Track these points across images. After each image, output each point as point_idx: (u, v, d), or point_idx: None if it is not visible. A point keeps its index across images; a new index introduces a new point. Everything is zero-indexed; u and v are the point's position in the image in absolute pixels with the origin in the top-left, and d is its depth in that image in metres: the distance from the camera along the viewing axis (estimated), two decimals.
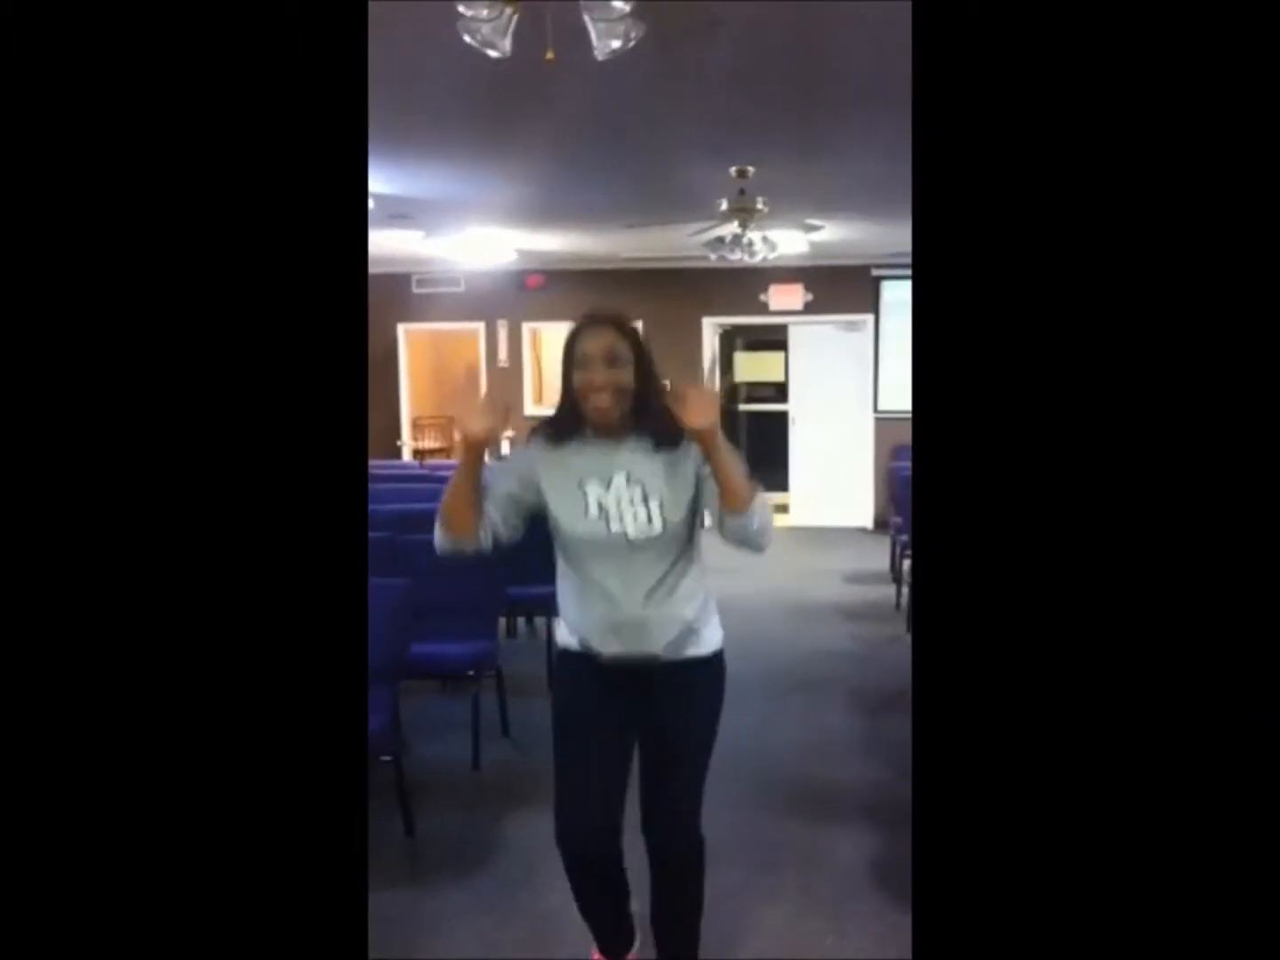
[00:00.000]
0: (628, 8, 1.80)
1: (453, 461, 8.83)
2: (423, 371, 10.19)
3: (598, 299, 9.02)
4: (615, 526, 1.84)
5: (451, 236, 7.06)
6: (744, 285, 8.75)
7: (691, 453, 1.85)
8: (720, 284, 8.73)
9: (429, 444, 10.34)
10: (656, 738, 1.99)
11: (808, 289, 8.84)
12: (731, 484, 1.78)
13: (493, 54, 1.94)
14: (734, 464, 1.79)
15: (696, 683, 1.97)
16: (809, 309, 8.89)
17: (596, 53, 1.94)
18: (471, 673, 3.50)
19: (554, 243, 7.71)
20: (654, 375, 1.88)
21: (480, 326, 9.29)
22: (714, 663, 1.99)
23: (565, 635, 1.99)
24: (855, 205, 5.91)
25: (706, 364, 9.01)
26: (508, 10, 1.84)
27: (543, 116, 4.33)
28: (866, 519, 8.99)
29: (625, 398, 1.83)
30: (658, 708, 1.96)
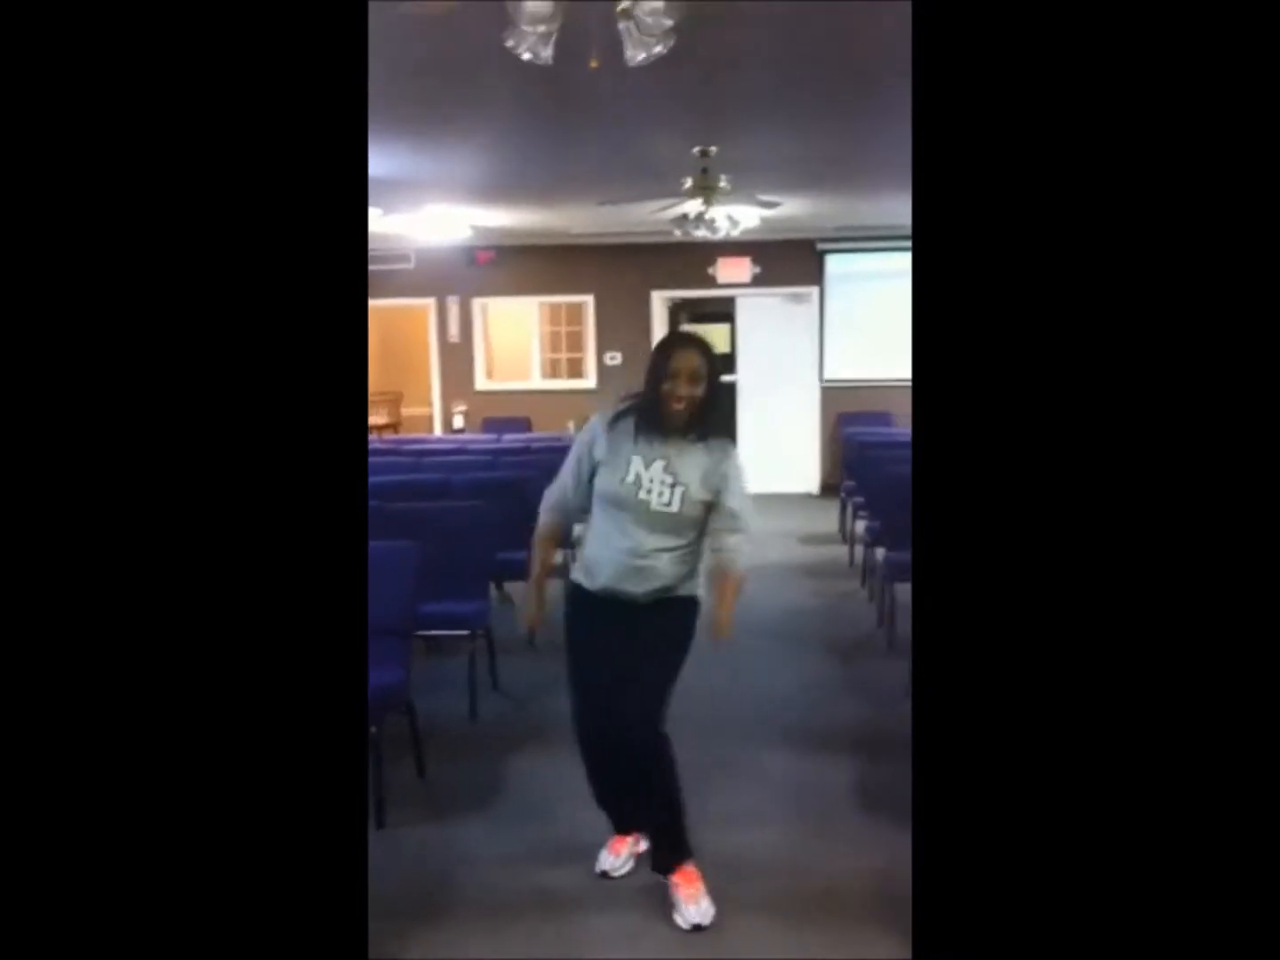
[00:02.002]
0: (670, 23, 1.98)
1: (404, 436, 8.96)
2: (371, 348, 10.23)
3: (549, 274, 9.18)
4: (642, 495, 2.32)
5: (409, 213, 7.13)
6: (693, 259, 8.95)
7: (724, 468, 2.37)
8: (670, 258, 8.92)
9: (378, 420, 10.39)
10: (633, 651, 2.40)
11: (755, 262, 9.08)
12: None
13: (533, 60, 2.10)
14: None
15: (668, 614, 2.41)
16: (756, 282, 9.14)
17: (628, 59, 2.13)
18: (467, 631, 3.70)
19: (509, 219, 7.82)
20: (718, 389, 2.36)
21: (431, 302, 9.36)
22: (686, 604, 2.44)
23: (576, 572, 2.48)
24: (809, 182, 6.16)
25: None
26: (555, 26, 2.00)
27: (509, 97, 4.46)
28: (813, 484, 9.31)
29: (696, 406, 2.32)
30: (637, 630, 2.40)
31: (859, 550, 6.12)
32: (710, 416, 2.38)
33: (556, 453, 6.47)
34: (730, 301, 9.35)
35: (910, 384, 6.67)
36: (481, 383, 9.46)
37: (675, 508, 2.32)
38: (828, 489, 9.04)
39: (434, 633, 3.62)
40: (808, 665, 4.34)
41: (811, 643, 4.65)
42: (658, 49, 2.08)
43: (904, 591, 4.42)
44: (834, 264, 9.14)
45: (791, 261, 9.05)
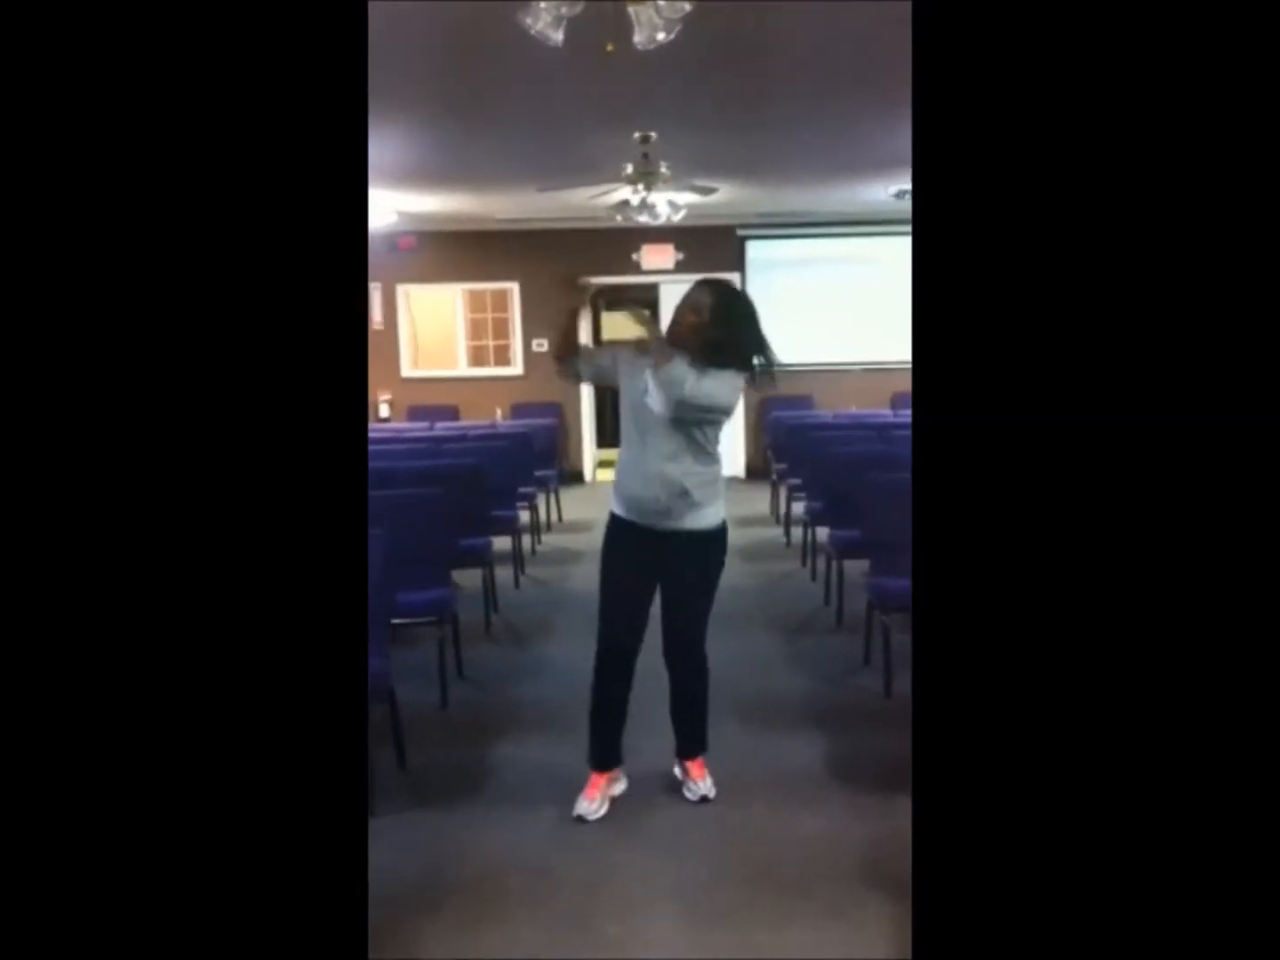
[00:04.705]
0: (689, 7, 2.00)
1: None
2: None
3: (472, 260, 9.09)
4: (648, 400, 2.68)
5: None
6: (616, 246, 8.98)
7: (715, 374, 2.65)
8: (594, 245, 8.93)
9: None
10: (669, 586, 2.81)
11: (678, 249, 9.17)
12: None
13: (542, 39, 2.11)
14: None
15: (697, 548, 2.77)
16: (679, 268, 9.21)
17: (636, 44, 2.15)
18: (434, 619, 3.69)
19: (435, 204, 7.72)
20: (727, 323, 2.68)
21: None
22: (713, 535, 2.79)
23: (612, 503, 2.83)
24: (734, 169, 6.25)
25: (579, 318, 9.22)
26: (578, 7, 2.01)
27: (443, 79, 4.42)
28: (739, 469, 9.46)
29: (699, 334, 2.67)
30: (670, 563, 2.76)
31: (795, 531, 6.27)
32: (708, 346, 2.66)
33: (496, 440, 6.47)
34: (653, 288, 9.41)
35: (829, 367, 6.83)
36: (407, 370, 9.33)
37: (674, 389, 2.60)
38: (754, 472, 9.20)
39: (404, 621, 3.59)
40: (756, 643, 4.44)
41: (757, 621, 4.76)
42: (662, 35, 2.11)
43: (851, 568, 4.57)
44: (755, 250, 9.29)
45: (713, 248, 9.15)
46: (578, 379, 3.00)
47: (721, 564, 2.84)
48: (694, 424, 2.68)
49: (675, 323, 2.73)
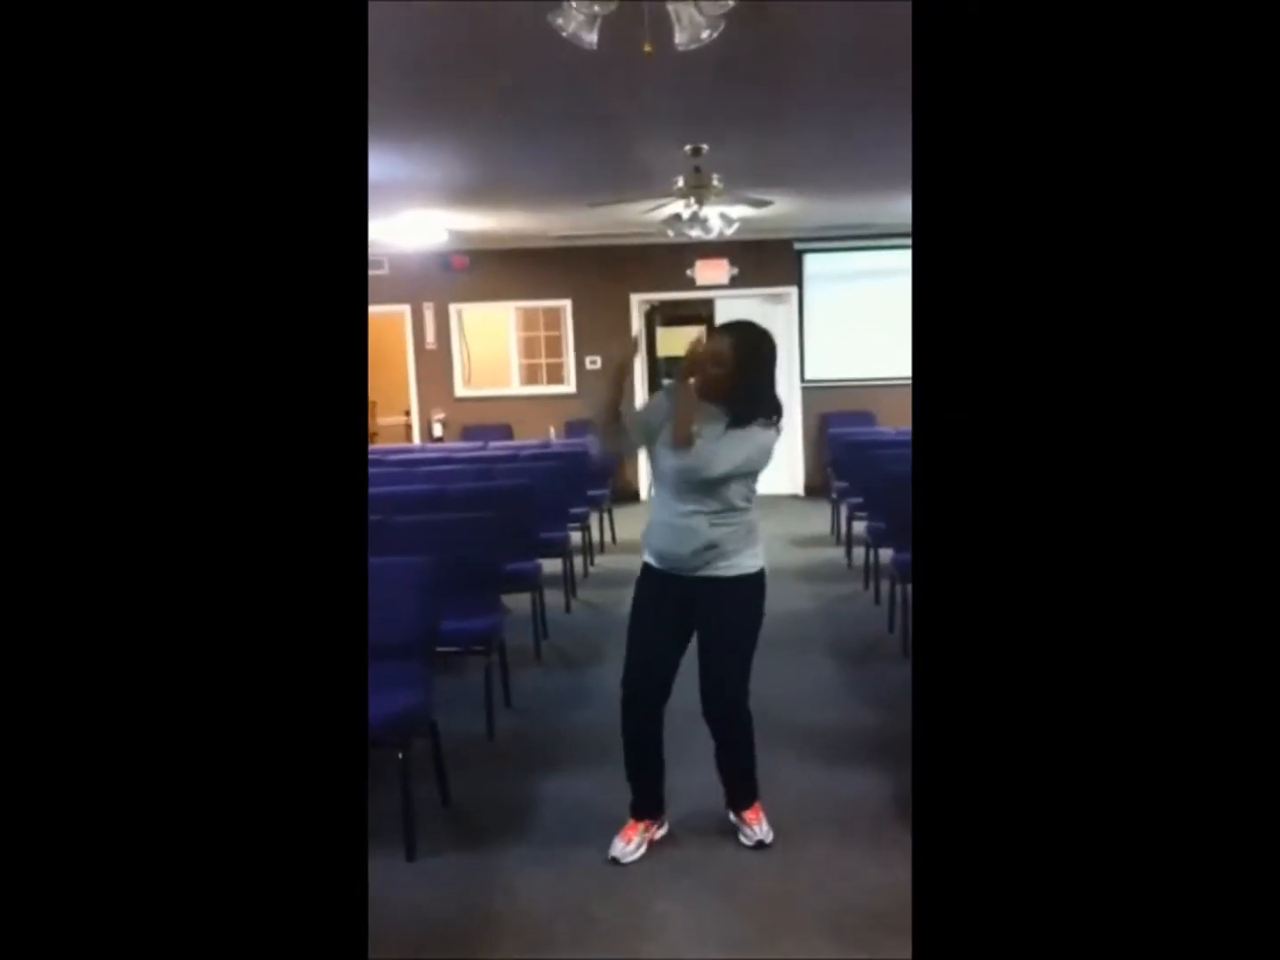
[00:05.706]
0: (732, 2, 1.89)
1: (386, 446, 8.76)
2: None
3: (525, 278, 9.06)
4: (675, 455, 2.54)
5: (384, 219, 6.98)
6: (671, 261, 8.88)
7: (753, 435, 2.54)
8: (647, 261, 8.84)
9: None
10: (703, 636, 2.64)
11: (733, 263, 9.03)
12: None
13: (575, 41, 2.00)
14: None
15: (730, 597, 2.61)
16: (734, 283, 9.08)
17: (679, 44, 2.03)
18: (482, 648, 3.57)
19: (487, 222, 7.69)
20: (751, 372, 2.53)
21: (406, 309, 9.20)
22: (746, 582, 2.63)
23: (645, 554, 2.71)
24: (793, 181, 6.10)
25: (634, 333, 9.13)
26: (611, 6, 1.91)
27: (496, 97, 4.35)
28: (797, 486, 9.27)
29: (722, 386, 2.53)
30: (700, 613, 2.62)
31: (857, 552, 6.07)
32: (740, 398, 2.53)
33: (548, 459, 6.37)
34: (709, 304, 9.28)
35: (891, 382, 6.64)
36: (460, 390, 9.31)
37: (699, 473, 2.51)
38: (813, 490, 9.00)
39: (451, 650, 3.48)
40: (816, 670, 4.26)
41: (817, 647, 4.57)
42: (705, 34, 1.99)
43: None
44: (812, 263, 9.12)
45: (769, 262, 9.01)
46: (632, 449, 2.75)
47: (759, 614, 2.68)
48: (726, 484, 2.55)
49: (700, 376, 2.54)
